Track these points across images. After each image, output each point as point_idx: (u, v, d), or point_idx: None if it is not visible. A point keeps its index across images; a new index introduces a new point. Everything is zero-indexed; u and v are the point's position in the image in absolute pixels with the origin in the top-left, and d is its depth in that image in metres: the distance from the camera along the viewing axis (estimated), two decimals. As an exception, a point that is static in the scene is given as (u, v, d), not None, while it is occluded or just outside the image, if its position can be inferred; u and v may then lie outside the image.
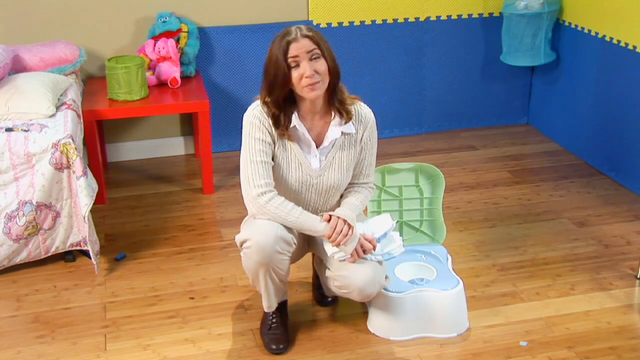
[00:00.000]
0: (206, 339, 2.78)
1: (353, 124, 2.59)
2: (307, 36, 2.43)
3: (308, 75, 2.41)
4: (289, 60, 2.42)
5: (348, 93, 2.60)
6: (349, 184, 2.70)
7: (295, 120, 2.53)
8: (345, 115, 2.56)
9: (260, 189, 2.50)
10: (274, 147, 2.55)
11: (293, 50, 2.41)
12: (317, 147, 2.59)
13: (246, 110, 2.58)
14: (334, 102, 2.55)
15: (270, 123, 2.53)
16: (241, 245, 2.56)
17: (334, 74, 2.50)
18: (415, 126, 4.67)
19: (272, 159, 2.56)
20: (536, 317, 2.88)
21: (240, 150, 2.58)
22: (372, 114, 2.66)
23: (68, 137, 3.08)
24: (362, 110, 2.63)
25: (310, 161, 2.59)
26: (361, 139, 2.63)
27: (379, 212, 3.02)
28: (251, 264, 2.54)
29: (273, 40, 2.48)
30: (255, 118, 2.53)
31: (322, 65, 2.44)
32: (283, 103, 2.51)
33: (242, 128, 2.57)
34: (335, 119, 2.57)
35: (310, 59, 2.42)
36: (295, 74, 2.43)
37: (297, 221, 2.52)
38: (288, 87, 2.47)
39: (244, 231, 2.57)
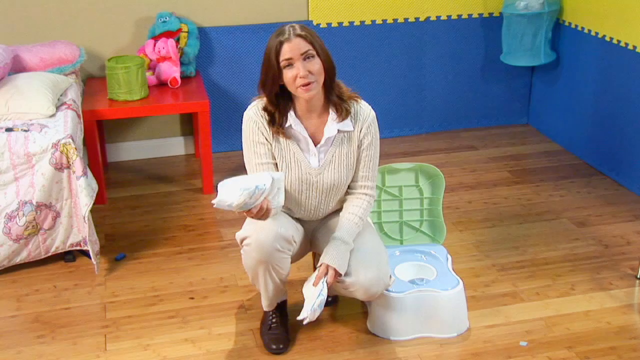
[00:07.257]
0: (206, 339, 2.78)
1: (351, 121, 2.56)
2: (300, 35, 2.41)
3: (302, 76, 2.40)
4: (282, 62, 2.41)
5: (347, 88, 2.59)
6: (349, 188, 2.68)
7: (291, 119, 2.53)
8: (344, 111, 2.54)
9: None
10: (272, 147, 2.55)
11: (286, 52, 2.40)
12: (315, 145, 2.58)
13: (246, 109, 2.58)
14: (332, 98, 2.54)
15: (265, 123, 2.53)
16: (241, 243, 2.55)
17: (329, 71, 2.48)
18: (415, 126, 4.67)
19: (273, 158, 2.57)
20: (536, 317, 2.88)
21: (240, 149, 2.59)
22: (372, 111, 2.62)
23: (68, 137, 3.08)
24: (361, 108, 2.60)
25: (309, 159, 2.58)
26: (359, 136, 2.60)
27: (379, 212, 3.02)
28: (251, 262, 2.54)
29: (270, 36, 2.48)
30: (251, 120, 2.54)
31: (315, 64, 2.43)
32: (277, 100, 2.51)
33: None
34: (332, 117, 2.55)
35: (304, 59, 2.41)
36: (289, 74, 2.42)
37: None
38: (278, 85, 2.47)
39: (244, 228, 2.56)
